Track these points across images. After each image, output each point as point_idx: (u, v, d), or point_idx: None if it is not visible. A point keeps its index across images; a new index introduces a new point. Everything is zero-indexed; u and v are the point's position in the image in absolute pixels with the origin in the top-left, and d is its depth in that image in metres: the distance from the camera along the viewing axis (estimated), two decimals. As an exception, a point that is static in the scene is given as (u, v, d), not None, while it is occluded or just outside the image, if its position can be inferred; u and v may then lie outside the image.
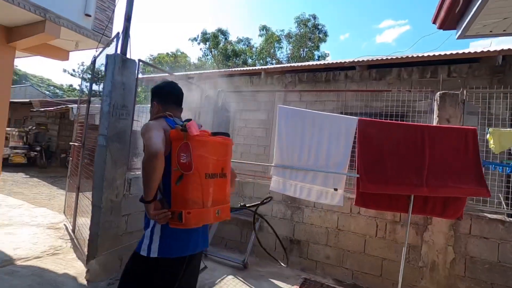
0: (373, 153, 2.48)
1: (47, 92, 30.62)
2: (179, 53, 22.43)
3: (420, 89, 3.65)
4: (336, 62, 5.74)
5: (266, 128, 7.25)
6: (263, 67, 6.88)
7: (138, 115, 3.22)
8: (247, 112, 7.31)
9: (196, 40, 21.34)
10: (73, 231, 4.09)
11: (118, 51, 2.92)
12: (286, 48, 19.99)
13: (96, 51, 4.19)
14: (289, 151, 2.85)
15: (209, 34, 20.46)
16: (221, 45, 20.44)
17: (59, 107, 10.84)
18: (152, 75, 10.46)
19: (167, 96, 1.69)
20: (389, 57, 5.44)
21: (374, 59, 5.52)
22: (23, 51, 4.66)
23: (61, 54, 5.17)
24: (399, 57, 5.30)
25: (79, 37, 4.45)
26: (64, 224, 4.80)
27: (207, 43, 20.71)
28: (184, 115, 1.80)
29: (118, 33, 3.04)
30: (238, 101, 6.98)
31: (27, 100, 13.66)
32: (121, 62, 2.88)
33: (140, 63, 3.19)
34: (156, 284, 1.44)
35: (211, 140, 1.48)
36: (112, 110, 2.83)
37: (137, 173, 3.30)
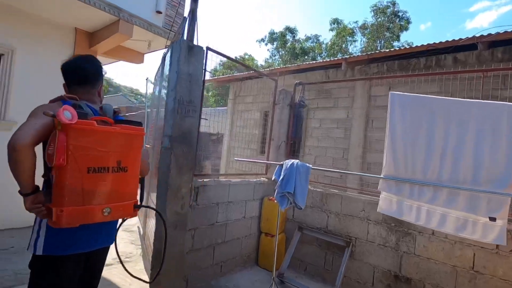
0: None
1: (135, 101, 34.85)
2: (246, 56, 22.66)
3: None
4: (444, 42, 4.46)
5: (345, 128, 6.28)
6: (345, 56, 5.92)
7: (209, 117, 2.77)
8: (321, 110, 6.46)
9: (263, 41, 21.21)
10: (143, 237, 3.92)
11: (184, 37, 2.49)
12: (361, 41, 18.20)
13: (166, 47, 3.96)
14: (408, 157, 1.98)
15: (276, 33, 20.09)
16: (288, 44, 19.84)
17: (138, 112, 11.71)
18: (224, 76, 10.33)
19: (70, 74, 1.47)
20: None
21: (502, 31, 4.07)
22: (103, 55, 4.81)
23: (137, 57, 5.23)
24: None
25: (150, 36, 4.33)
26: (138, 226, 4.76)
27: (275, 43, 20.35)
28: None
29: (185, 18, 2.62)
30: (311, 98, 6.19)
31: (116, 107, 15.34)
32: (187, 49, 2.44)
33: (209, 52, 2.72)
34: (42, 285, 1.30)
35: (100, 130, 1.24)
36: (177, 106, 2.40)
37: (205, 180, 2.83)
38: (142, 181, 1.51)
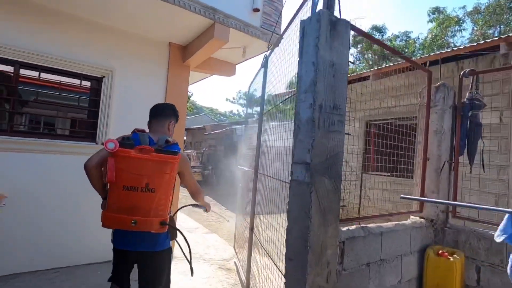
0: None
1: (215, 120, 37.07)
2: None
3: None
4: None
5: (498, 137, 4.49)
6: (505, 35, 4.27)
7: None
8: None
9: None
10: (247, 286, 3.12)
11: (319, 6, 1.61)
12: (471, 29, 14.88)
13: (268, 48, 3.23)
14: None
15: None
16: (375, 46, 17.77)
17: (224, 129, 11.68)
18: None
19: (150, 111, 1.97)
20: None
21: None
22: (195, 69, 4.44)
23: (228, 69, 4.73)
24: None
25: (246, 40, 3.71)
26: (235, 263, 4.04)
27: (359, 46, 18.50)
28: None
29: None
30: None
31: (202, 126, 15.99)
32: (328, 26, 1.54)
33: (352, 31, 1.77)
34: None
35: (134, 157, 1.56)
36: (317, 116, 1.50)
37: (350, 228, 1.83)
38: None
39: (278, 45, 2.82)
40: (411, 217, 2.44)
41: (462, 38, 15.14)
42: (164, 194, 1.61)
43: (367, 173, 6.73)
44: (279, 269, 2.22)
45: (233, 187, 11.70)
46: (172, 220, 1.78)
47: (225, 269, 3.84)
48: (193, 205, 2.09)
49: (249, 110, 5.45)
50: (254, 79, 4.19)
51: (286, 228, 1.62)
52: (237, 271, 3.78)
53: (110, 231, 1.77)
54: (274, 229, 2.60)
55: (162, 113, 1.93)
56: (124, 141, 1.58)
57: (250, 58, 4.30)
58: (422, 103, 2.60)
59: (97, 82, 3.59)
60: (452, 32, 14.95)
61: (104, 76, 3.56)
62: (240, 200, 4.67)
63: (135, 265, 1.81)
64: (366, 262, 1.87)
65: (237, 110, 40.06)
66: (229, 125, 12.89)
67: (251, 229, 3.05)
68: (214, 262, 4.02)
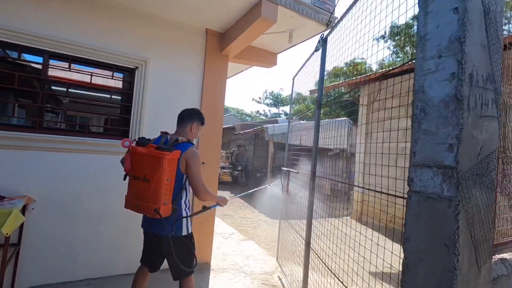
0: None
1: (242, 120, 36.91)
2: (358, 61, 20.18)
3: None
4: None
5: None
6: None
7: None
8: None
9: (383, 38, 18.22)
10: (303, 312, 2.59)
11: None
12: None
13: (328, 24, 2.69)
14: None
15: (400, 26, 16.86)
16: (415, 37, 16.35)
17: (255, 128, 11.25)
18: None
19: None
20: None
21: None
22: (234, 60, 4.00)
23: (269, 59, 4.24)
24: None
25: (294, 21, 3.18)
26: (279, 278, 3.54)
27: (396, 38, 17.17)
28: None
29: None
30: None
31: (231, 125, 15.70)
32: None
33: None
34: None
35: (138, 152, 1.88)
36: (467, 91, 0.94)
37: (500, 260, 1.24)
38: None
39: (342, 20, 2.28)
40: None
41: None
42: (157, 185, 1.82)
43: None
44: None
45: (265, 190, 11.26)
46: (175, 211, 1.94)
47: (270, 285, 3.35)
48: (203, 209, 2.19)
49: (293, 107, 4.93)
50: (300, 69, 3.66)
51: (403, 264, 1.08)
52: (282, 286, 3.27)
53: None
54: (342, 242, 2.07)
55: (184, 118, 2.23)
56: (138, 140, 2.01)
57: (298, 43, 3.76)
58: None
59: (129, 74, 3.25)
60: None
61: (137, 67, 3.21)
62: (284, 205, 4.16)
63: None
64: (509, 313, 1.28)
65: (263, 110, 39.54)
66: (260, 124, 12.46)
67: (308, 244, 2.52)
68: (256, 276, 3.54)
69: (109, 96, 3.22)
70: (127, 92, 3.22)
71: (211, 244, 3.66)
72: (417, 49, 1.10)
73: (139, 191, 1.86)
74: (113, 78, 3.16)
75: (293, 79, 3.99)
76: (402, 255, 1.18)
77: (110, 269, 3.05)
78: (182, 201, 2.01)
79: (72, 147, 2.87)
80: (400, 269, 1.43)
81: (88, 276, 2.96)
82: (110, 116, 3.20)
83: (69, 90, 2.99)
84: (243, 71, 5.02)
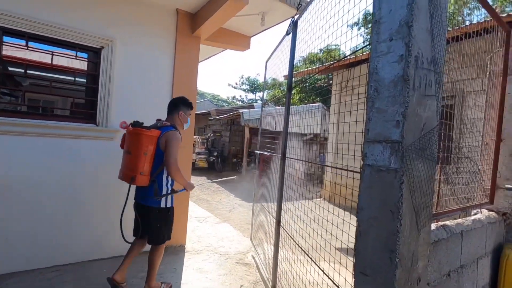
0: None
1: (218, 106, 36.31)
2: (332, 47, 20.38)
3: None
4: None
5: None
6: None
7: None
8: None
9: (356, 25, 18.36)
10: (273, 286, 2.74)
11: None
12: None
13: (298, 7, 2.71)
14: None
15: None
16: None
17: (231, 113, 11.19)
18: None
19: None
20: None
21: None
22: (206, 42, 3.92)
23: (243, 42, 4.21)
24: None
25: (266, 3, 3.17)
26: (253, 257, 3.68)
27: (370, 25, 17.38)
28: None
29: None
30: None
31: (207, 110, 15.48)
32: None
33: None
34: None
35: (128, 131, 2.29)
36: (413, 72, 1.03)
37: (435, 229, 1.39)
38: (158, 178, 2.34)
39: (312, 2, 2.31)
40: (483, 211, 2.00)
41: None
42: (135, 157, 2.20)
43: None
44: (323, 271, 1.82)
45: (240, 174, 11.36)
46: (154, 183, 2.27)
47: (243, 264, 3.48)
48: (171, 192, 2.38)
49: (264, 93, 4.96)
50: (273, 53, 3.68)
51: (356, 230, 1.19)
52: (257, 266, 3.41)
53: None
54: (309, 218, 2.19)
55: (171, 108, 2.54)
56: (133, 123, 2.29)
57: (270, 27, 3.77)
58: (494, 71, 2.11)
59: (95, 54, 3.10)
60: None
61: (103, 47, 3.07)
62: (257, 187, 4.26)
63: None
64: (447, 272, 1.45)
65: (240, 96, 39.12)
66: (236, 109, 12.40)
67: (278, 222, 2.64)
68: (230, 256, 3.66)
69: (73, 78, 3.06)
70: (93, 73, 3.08)
71: (185, 227, 3.70)
72: (372, 32, 1.17)
73: (125, 162, 2.28)
74: (77, 58, 3.00)
75: (266, 63, 4.01)
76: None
77: (80, 255, 3.00)
78: (164, 177, 2.32)
79: (34, 131, 2.73)
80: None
81: (57, 263, 2.90)
82: (75, 98, 3.06)
83: (28, 71, 2.80)
84: (216, 54, 4.95)
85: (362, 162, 1.18)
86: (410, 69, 1.03)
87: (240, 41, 4.17)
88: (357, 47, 1.68)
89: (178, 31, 3.48)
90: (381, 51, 1.12)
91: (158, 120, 2.49)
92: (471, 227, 1.64)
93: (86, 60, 3.07)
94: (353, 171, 1.48)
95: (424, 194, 1.10)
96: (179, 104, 2.51)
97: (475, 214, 1.92)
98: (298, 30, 2.61)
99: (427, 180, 1.11)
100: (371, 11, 1.23)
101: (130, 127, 2.25)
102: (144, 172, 2.18)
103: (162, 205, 2.31)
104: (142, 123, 2.29)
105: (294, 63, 2.66)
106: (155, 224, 2.30)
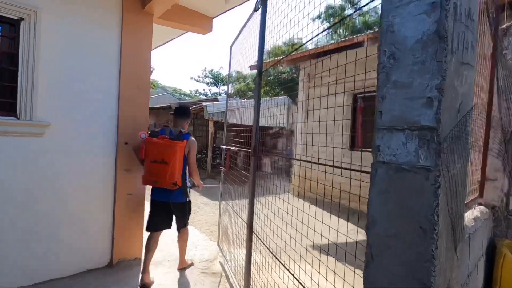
0: None
1: (180, 100, 34.67)
2: (296, 41, 20.43)
3: None
4: None
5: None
6: None
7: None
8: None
9: (319, 18, 18.46)
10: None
11: None
12: None
13: None
14: None
15: (334, 8, 17.32)
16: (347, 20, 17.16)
17: (194, 107, 10.56)
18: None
19: (175, 111, 2.94)
20: None
21: None
22: (161, 21, 3.37)
23: (204, 23, 3.72)
24: None
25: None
26: (221, 264, 3.29)
27: (331, 19, 17.68)
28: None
29: None
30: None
31: (167, 104, 14.55)
32: None
33: None
34: None
35: (154, 142, 2.56)
36: (450, 26, 0.71)
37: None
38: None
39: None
40: (477, 206, 1.83)
41: None
42: (173, 166, 2.52)
43: (355, 150, 6.25)
44: (296, 278, 1.50)
45: (204, 171, 10.80)
46: (185, 182, 2.68)
47: (210, 274, 3.07)
48: (191, 186, 2.85)
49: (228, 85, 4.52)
50: (238, 35, 3.26)
51: (366, 254, 0.86)
52: (226, 276, 3.03)
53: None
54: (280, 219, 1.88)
55: (185, 113, 2.91)
56: (151, 133, 2.63)
57: (235, 6, 3.33)
58: (483, 55, 1.94)
59: (12, 27, 2.42)
60: None
61: (22, 19, 2.40)
62: (224, 185, 3.86)
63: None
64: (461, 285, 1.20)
65: (203, 89, 37.90)
66: (199, 102, 11.72)
67: (250, 226, 2.27)
68: (195, 265, 3.23)
69: (-18, 56, 2.36)
70: (10, 52, 2.41)
71: (141, 237, 3.17)
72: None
73: (158, 171, 2.54)
74: (-14, 31, 2.31)
75: (231, 47, 3.58)
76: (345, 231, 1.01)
77: (42, 273, 2.39)
78: (187, 176, 2.74)
79: None
80: (338, 241, 1.32)
81: (22, 284, 2.29)
82: (-15, 84, 2.37)
83: None
84: (175, 38, 4.38)
85: (373, 159, 0.85)
86: (449, 22, 0.70)
87: (201, 23, 3.67)
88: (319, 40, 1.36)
89: (125, 4, 2.90)
90: (400, 0, 0.79)
91: (166, 126, 2.72)
92: (475, 227, 1.42)
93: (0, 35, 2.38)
94: (325, 165, 1.23)
95: (460, 201, 0.80)
96: (188, 113, 2.94)
97: (471, 210, 1.73)
98: (268, 4, 2.23)
99: (462, 181, 0.81)
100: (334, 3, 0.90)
101: (158, 138, 2.55)
102: (179, 176, 2.58)
103: (188, 198, 2.78)
104: (158, 131, 2.62)
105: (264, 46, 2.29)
106: (183, 213, 2.80)
